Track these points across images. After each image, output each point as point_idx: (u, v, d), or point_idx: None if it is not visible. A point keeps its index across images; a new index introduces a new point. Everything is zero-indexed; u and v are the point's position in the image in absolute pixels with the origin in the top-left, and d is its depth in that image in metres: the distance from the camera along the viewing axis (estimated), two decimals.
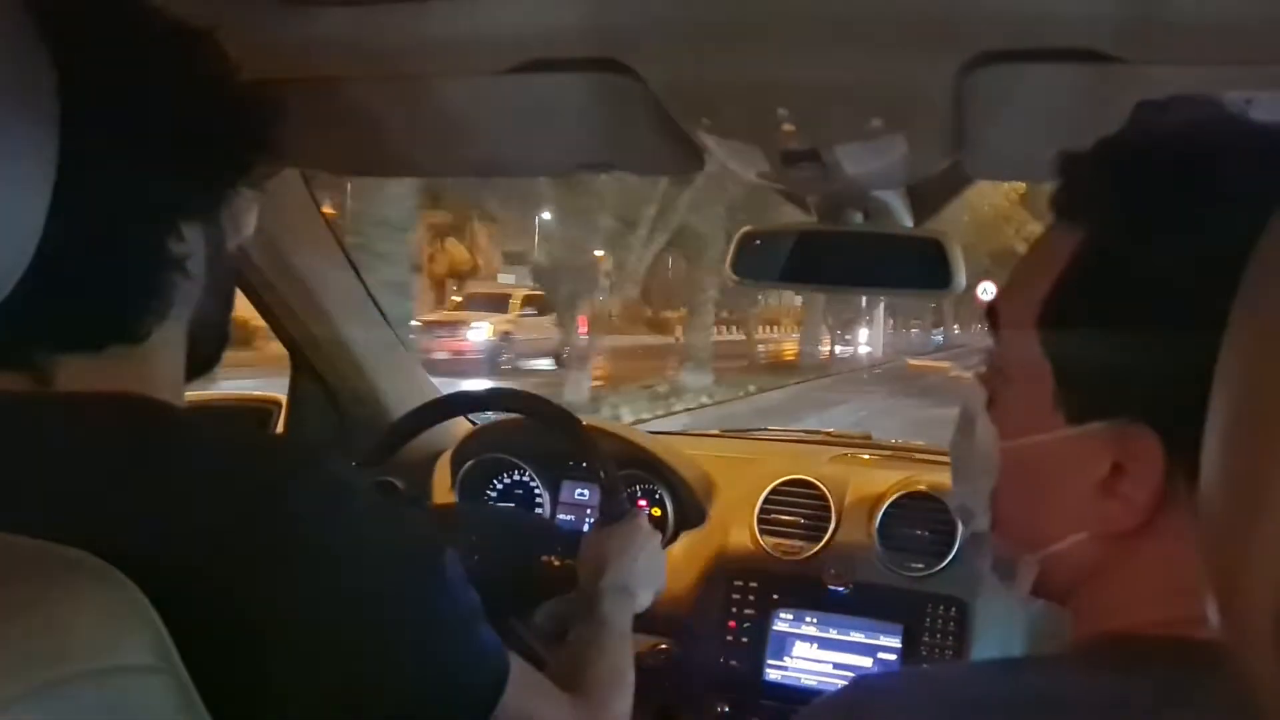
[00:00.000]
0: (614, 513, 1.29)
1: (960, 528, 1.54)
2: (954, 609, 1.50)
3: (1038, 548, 0.59)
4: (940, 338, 36.23)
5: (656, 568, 1.28)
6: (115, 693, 0.54)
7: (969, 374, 0.69)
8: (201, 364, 0.78)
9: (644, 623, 1.25)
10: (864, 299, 21.69)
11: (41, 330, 0.67)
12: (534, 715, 0.84)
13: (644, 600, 1.23)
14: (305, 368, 1.78)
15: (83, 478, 0.65)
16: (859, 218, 1.30)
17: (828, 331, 25.25)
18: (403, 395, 1.80)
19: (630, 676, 1.08)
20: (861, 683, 0.60)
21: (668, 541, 1.71)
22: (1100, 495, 0.54)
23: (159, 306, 0.70)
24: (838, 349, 26.56)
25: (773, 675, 1.56)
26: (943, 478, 1.65)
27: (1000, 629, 1.48)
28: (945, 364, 23.08)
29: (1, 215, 0.60)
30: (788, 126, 0.96)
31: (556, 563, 1.34)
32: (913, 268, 1.28)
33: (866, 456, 1.85)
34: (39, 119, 0.61)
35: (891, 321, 33.19)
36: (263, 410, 1.89)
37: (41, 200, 0.61)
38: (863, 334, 29.92)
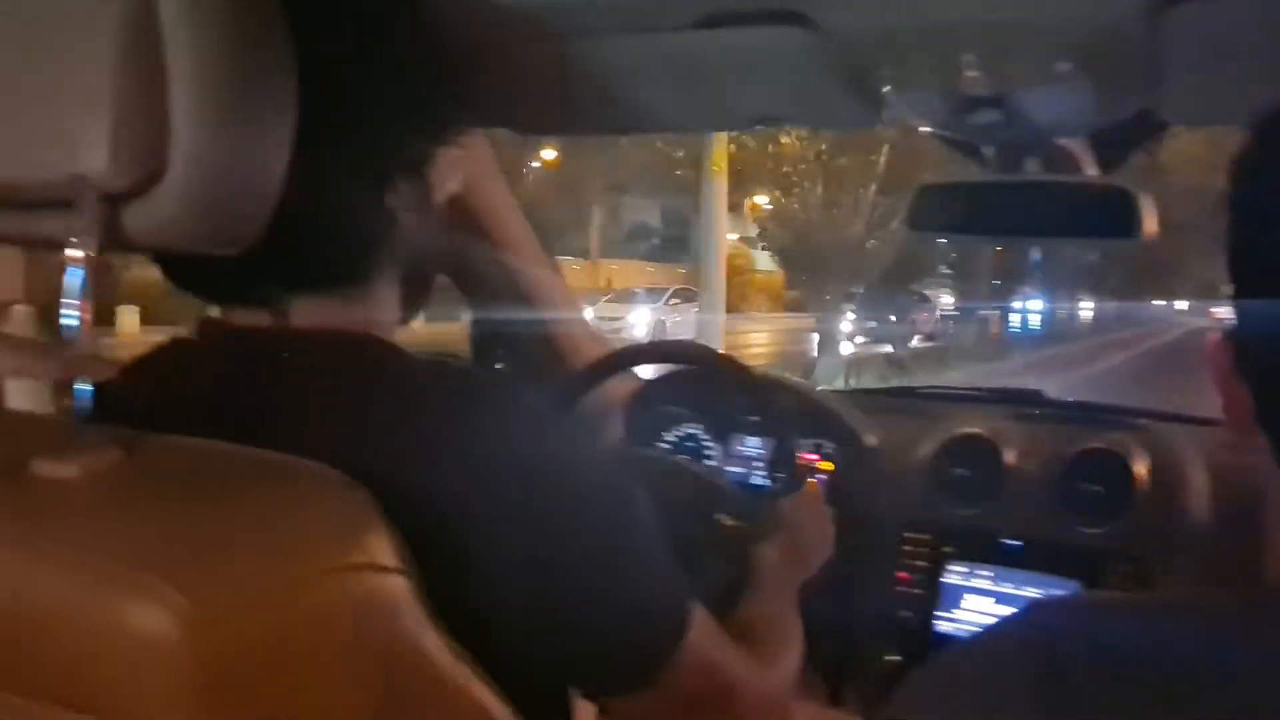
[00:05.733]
0: (792, 482, 1.31)
1: (1141, 485, 1.50)
2: (1135, 566, 1.47)
3: None
4: None
5: (826, 540, 1.29)
6: (362, 589, 0.58)
7: None
8: (411, 309, 0.85)
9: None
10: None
11: (279, 272, 0.74)
12: (716, 664, 0.82)
13: (811, 572, 1.24)
14: (485, 321, 1.85)
15: (320, 399, 0.71)
16: (1038, 166, 1.27)
17: None
18: (579, 349, 1.85)
19: (800, 644, 1.08)
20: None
21: (840, 496, 1.72)
22: None
23: (378, 253, 0.76)
24: None
25: (944, 627, 1.56)
26: (1119, 435, 1.61)
27: (1186, 589, 1.44)
28: None
29: (253, 169, 0.67)
30: (971, 72, 0.95)
31: (729, 523, 1.34)
32: (1096, 217, 1.25)
33: (1038, 413, 1.82)
34: (281, 75, 0.66)
35: None
36: None
37: (284, 154, 0.67)
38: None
